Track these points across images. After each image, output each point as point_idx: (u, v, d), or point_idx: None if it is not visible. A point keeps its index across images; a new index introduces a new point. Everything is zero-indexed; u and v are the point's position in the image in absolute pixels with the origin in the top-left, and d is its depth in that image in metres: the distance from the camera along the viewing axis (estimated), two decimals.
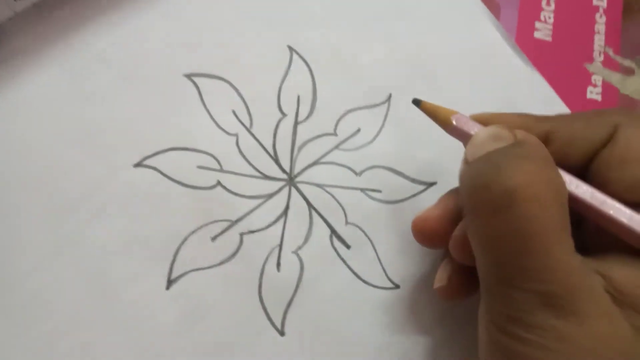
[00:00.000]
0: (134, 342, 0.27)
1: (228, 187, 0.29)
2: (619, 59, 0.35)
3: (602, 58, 0.35)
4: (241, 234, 0.28)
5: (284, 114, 0.31)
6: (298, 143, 0.30)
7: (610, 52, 0.36)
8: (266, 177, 0.30)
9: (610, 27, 0.36)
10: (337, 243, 0.29)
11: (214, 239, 0.28)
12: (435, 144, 0.30)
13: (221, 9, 0.32)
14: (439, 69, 0.32)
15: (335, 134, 0.31)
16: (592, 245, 0.23)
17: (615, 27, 0.36)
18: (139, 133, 0.29)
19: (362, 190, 0.30)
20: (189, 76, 0.31)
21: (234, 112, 0.30)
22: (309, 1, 0.33)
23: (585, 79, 0.35)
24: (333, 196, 0.30)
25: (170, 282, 0.28)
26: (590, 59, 0.35)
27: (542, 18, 0.36)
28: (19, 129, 0.29)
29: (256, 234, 0.29)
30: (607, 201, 0.21)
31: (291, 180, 0.30)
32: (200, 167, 0.29)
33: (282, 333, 0.27)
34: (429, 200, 0.29)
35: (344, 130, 0.31)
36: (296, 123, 0.31)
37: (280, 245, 0.29)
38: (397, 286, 0.29)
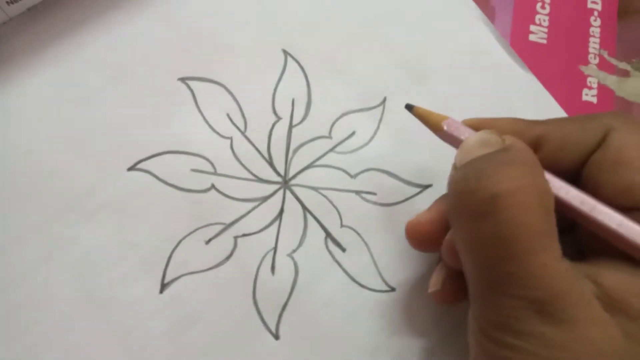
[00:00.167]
0: (126, 347, 0.26)
1: (222, 190, 0.29)
2: (614, 61, 0.35)
3: (597, 61, 0.35)
4: (235, 237, 0.28)
5: (278, 117, 0.31)
6: (293, 146, 0.30)
7: (606, 55, 0.36)
8: (261, 180, 0.30)
9: (605, 29, 0.36)
10: (332, 246, 0.29)
11: (208, 242, 0.28)
12: (430, 147, 0.30)
13: (216, 12, 0.32)
14: (434, 73, 0.32)
15: (330, 136, 0.31)
16: (586, 250, 0.23)
17: (611, 29, 0.36)
18: (133, 137, 0.29)
19: (357, 192, 0.30)
20: (183, 80, 0.31)
21: (228, 116, 0.30)
22: (303, 5, 0.33)
23: (581, 82, 0.35)
24: (328, 199, 0.30)
25: (163, 286, 0.27)
26: (586, 62, 0.35)
27: (537, 21, 0.36)
28: (13, 132, 0.29)
29: (250, 237, 0.29)
30: (597, 206, 0.21)
31: (286, 183, 0.30)
32: (194, 170, 0.29)
33: (276, 337, 0.27)
34: (424, 202, 0.28)
35: (339, 133, 0.31)
36: (291, 126, 0.31)
37: (275, 249, 0.28)
38: (392, 289, 0.29)
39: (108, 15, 0.31)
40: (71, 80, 0.30)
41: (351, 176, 0.30)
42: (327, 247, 0.29)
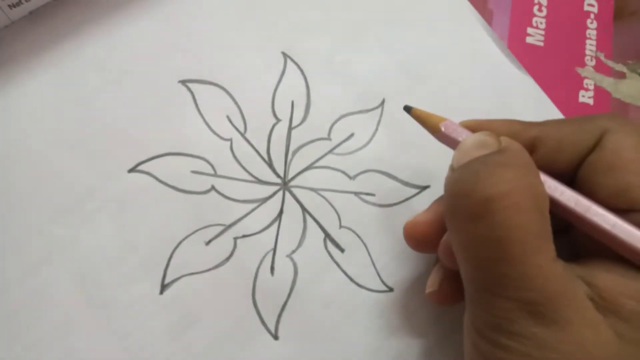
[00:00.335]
0: (126, 347, 0.27)
1: (222, 191, 0.29)
2: (610, 63, 0.36)
3: (594, 63, 0.36)
4: (235, 238, 0.29)
5: (278, 119, 0.31)
6: (292, 147, 0.31)
7: (602, 57, 0.36)
8: (260, 181, 0.30)
9: (601, 32, 0.36)
10: (331, 247, 0.29)
11: (207, 243, 0.28)
12: (429, 148, 0.30)
13: (215, 14, 0.32)
14: (432, 75, 0.33)
15: (329, 138, 0.31)
16: (581, 251, 0.23)
17: (607, 32, 0.36)
18: (133, 138, 0.30)
19: (356, 194, 0.30)
20: (183, 82, 0.31)
21: (228, 118, 0.31)
22: (302, 7, 0.33)
23: (578, 83, 0.35)
24: (327, 200, 0.30)
25: (164, 287, 0.28)
26: (582, 64, 0.36)
27: (533, 24, 0.36)
28: (13, 134, 0.29)
29: (250, 238, 0.29)
30: (592, 208, 0.21)
31: (285, 184, 0.30)
32: (194, 172, 0.29)
33: (275, 337, 0.27)
34: (423, 204, 0.29)
35: (338, 134, 0.31)
36: (290, 128, 0.31)
37: (274, 250, 0.29)
38: (390, 289, 0.29)
39: (108, 17, 0.31)
40: (72, 81, 0.30)
41: (350, 177, 0.30)
42: (326, 247, 0.29)
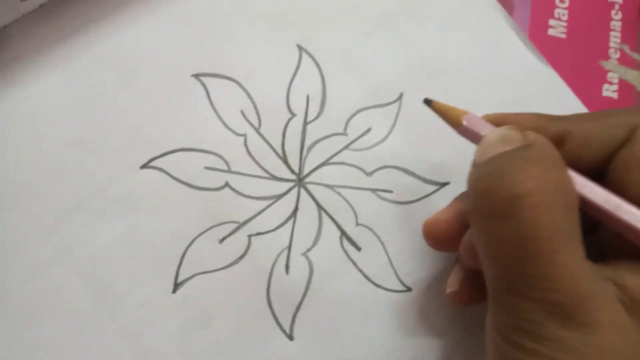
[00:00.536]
0: (138, 346, 0.26)
1: (236, 188, 0.29)
2: (635, 55, 0.35)
3: (618, 55, 0.34)
4: (249, 236, 0.28)
5: (293, 114, 0.30)
6: (307, 143, 0.30)
7: (627, 49, 0.35)
8: (275, 178, 0.29)
9: (626, 23, 0.35)
10: (347, 245, 0.28)
11: (221, 241, 0.28)
12: (448, 143, 0.30)
13: (228, 8, 0.32)
14: (452, 68, 0.32)
15: (345, 133, 0.30)
16: (609, 251, 0.22)
17: (632, 23, 0.35)
18: (145, 134, 0.29)
19: (373, 190, 0.29)
20: (196, 76, 0.30)
21: (242, 113, 0.30)
22: (318, 0, 0.32)
23: (601, 77, 0.34)
24: (343, 197, 0.29)
25: (177, 286, 0.27)
26: (606, 57, 0.34)
27: (556, 15, 0.35)
28: (25, 130, 0.29)
29: (264, 235, 0.28)
30: (623, 205, 0.20)
31: (300, 181, 0.29)
32: (207, 168, 0.29)
33: (290, 337, 0.27)
34: (442, 201, 0.28)
35: (355, 129, 0.30)
36: (305, 123, 0.30)
37: (289, 247, 0.28)
38: (409, 289, 0.28)
39: (119, 12, 0.31)
40: (83, 78, 0.30)
41: (367, 174, 0.30)
42: (342, 246, 0.28)
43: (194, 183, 0.29)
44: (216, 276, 0.27)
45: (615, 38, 0.35)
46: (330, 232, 0.28)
